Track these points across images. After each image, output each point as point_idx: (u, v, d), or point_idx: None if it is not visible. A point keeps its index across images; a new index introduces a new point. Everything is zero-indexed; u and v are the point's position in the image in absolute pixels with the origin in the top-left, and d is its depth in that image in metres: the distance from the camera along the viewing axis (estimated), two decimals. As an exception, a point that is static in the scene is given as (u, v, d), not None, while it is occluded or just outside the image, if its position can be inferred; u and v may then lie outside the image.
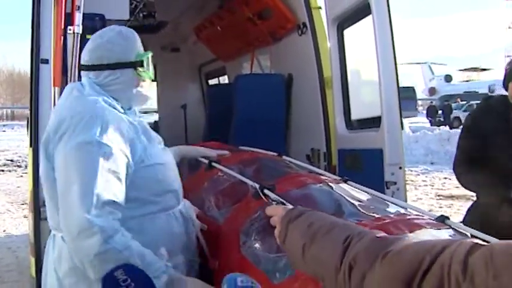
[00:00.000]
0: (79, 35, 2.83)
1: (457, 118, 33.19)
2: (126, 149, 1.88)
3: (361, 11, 3.45)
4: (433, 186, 11.89)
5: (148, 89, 2.15)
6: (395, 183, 3.19)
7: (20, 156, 19.03)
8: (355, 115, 3.87)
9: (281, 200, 2.00)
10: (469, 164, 2.73)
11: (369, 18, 3.36)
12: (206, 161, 2.74)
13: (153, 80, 2.22)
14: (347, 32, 3.84)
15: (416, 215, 1.85)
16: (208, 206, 2.44)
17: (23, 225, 7.96)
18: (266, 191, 2.10)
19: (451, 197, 10.43)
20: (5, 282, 5.60)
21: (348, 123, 3.91)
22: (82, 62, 2.08)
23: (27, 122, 5.13)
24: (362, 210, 1.89)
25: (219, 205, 2.39)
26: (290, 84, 4.72)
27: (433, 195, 10.67)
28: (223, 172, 2.59)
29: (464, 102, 35.44)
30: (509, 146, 2.65)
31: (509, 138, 2.66)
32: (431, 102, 37.79)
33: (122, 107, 2.04)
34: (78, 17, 2.82)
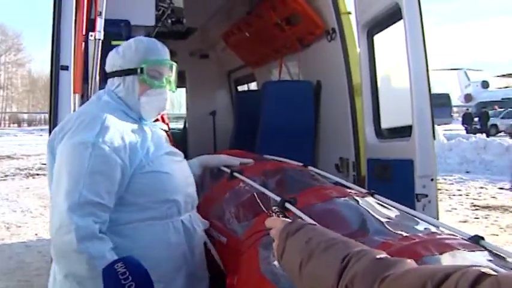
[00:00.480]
0: (100, 41, 2.78)
1: (495, 125, 32.41)
2: (124, 153, 1.88)
3: (392, 16, 3.32)
4: (468, 196, 11.53)
5: (158, 97, 2.09)
6: (426, 195, 3.04)
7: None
8: (385, 124, 3.73)
9: (301, 214, 1.90)
10: None
11: (400, 23, 3.22)
12: (228, 171, 2.65)
13: (172, 90, 2.15)
14: (377, 38, 3.71)
15: (449, 234, 1.71)
16: (229, 218, 2.35)
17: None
18: (287, 205, 2.00)
19: (488, 207, 10.10)
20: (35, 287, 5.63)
21: (378, 131, 3.77)
22: None
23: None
24: (388, 228, 1.76)
25: (240, 217, 2.30)
26: (319, 91, 4.61)
27: (469, 205, 10.32)
28: (244, 183, 2.49)
29: (502, 109, 34.60)
30: None
31: None
32: (468, 109, 36.94)
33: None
34: (99, 23, 2.78)
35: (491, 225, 8.56)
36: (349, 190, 2.20)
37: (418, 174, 3.05)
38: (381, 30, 3.62)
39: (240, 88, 7.43)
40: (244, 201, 2.38)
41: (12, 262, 6.48)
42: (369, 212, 1.90)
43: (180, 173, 2.10)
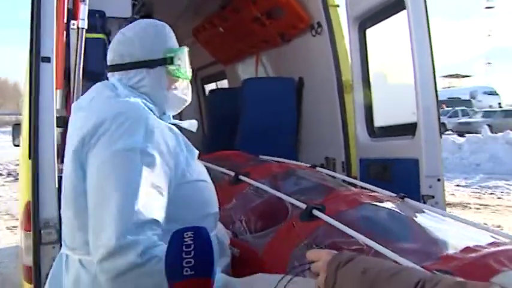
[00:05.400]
0: (84, 31, 2.48)
1: (443, 124, 33.15)
2: (170, 160, 1.60)
3: (392, 7, 3.15)
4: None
5: (185, 91, 1.85)
6: (433, 197, 2.88)
7: (1, 164, 18.39)
8: (380, 122, 3.56)
9: (334, 222, 1.68)
10: None
11: (400, 15, 3.06)
12: (231, 173, 2.40)
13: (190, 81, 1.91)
14: (370, 32, 3.54)
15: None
16: (240, 227, 2.09)
17: (7, 238, 7.54)
18: (316, 212, 1.77)
19: (448, 204, 10.18)
20: (-15, 302, 5.22)
21: (371, 130, 3.60)
22: (108, 62, 1.81)
23: (12, 128, 4.75)
24: (441, 237, 1.56)
25: (255, 227, 2.05)
26: (301, 88, 4.42)
27: (429, 203, 10.40)
28: (253, 187, 2.25)
29: (450, 108, 35.57)
30: None
31: None
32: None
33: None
34: (83, 10, 2.47)
35: (454, 222, 8.62)
36: (377, 194, 1.99)
37: (425, 174, 2.89)
38: (376, 23, 3.44)
39: (207, 87, 7.13)
40: (257, 208, 2.13)
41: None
42: (413, 219, 1.70)
43: (210, 179, 1.84)
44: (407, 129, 3.09)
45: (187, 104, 1.87)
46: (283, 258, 1.74)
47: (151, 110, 1.71)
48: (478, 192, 11.42)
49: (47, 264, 2.23)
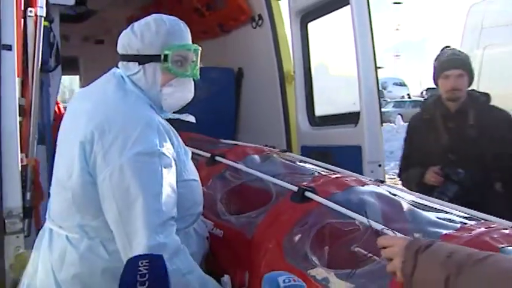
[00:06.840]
0: (42, 19, 2.44)
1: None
2: (175, 160, 1.68)
3: (335, 3, 3.32)
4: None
5: (181, 88, 1.81)
6: (375, 181, 3.10)
7: None
8: (321, 111, 3.75)
9: (328, 203, 1.76)
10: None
11: (342, 10, 3.24)
12: (207, 154, 2.45)
13: (196, 78, 1.86)
14: (311, 25, 3.71)
15: (497, 223, 1.62)
16: (221, 208, 2.12)
17: None
18: (308, 194, 1.83)
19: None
20: None
21: (312, 119, 3.78)
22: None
23: None
24: (437, 218, 1.66)
25: (239, 208, 2.09)
26: (240, 78, 4.53)
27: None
28: (231, 168, 2.29)
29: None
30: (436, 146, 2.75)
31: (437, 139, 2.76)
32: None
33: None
34: (41, -3, 2.43)
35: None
36: (357, 178, 2.09)
37: (367, 160, 3.09)
38: (317, 18, 3.61)
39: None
40: (238, 189, 2.20)
41: None
42: (401, 201, 1.82)
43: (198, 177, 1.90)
44: (350, 118, 3.29)
45: (186, 101, 1.87)
46: (277, 237, 1.77)
47: (153, 108, 1.75)
48: (394, 178, 12.03)
49: (10, 254, 2.21)
